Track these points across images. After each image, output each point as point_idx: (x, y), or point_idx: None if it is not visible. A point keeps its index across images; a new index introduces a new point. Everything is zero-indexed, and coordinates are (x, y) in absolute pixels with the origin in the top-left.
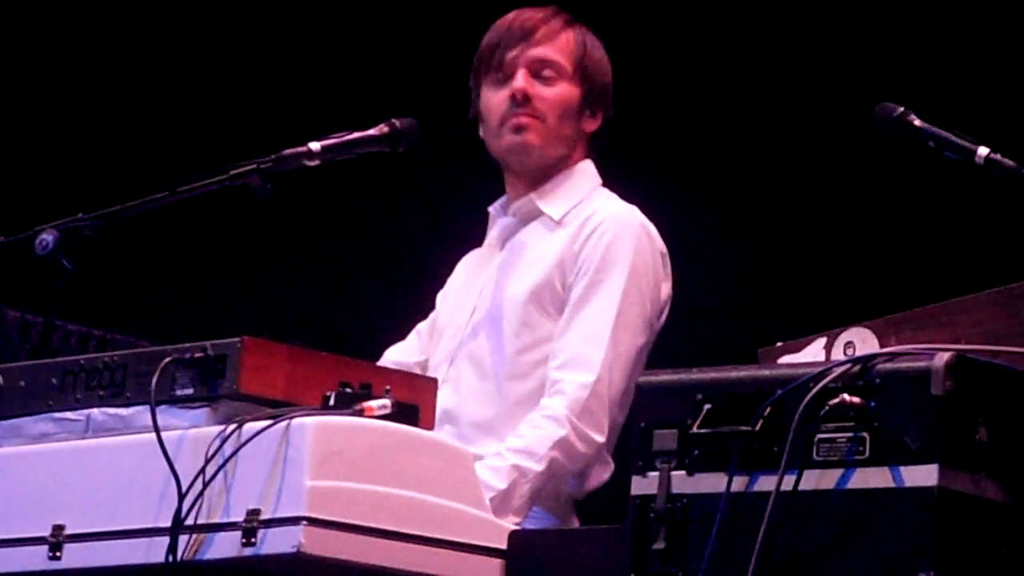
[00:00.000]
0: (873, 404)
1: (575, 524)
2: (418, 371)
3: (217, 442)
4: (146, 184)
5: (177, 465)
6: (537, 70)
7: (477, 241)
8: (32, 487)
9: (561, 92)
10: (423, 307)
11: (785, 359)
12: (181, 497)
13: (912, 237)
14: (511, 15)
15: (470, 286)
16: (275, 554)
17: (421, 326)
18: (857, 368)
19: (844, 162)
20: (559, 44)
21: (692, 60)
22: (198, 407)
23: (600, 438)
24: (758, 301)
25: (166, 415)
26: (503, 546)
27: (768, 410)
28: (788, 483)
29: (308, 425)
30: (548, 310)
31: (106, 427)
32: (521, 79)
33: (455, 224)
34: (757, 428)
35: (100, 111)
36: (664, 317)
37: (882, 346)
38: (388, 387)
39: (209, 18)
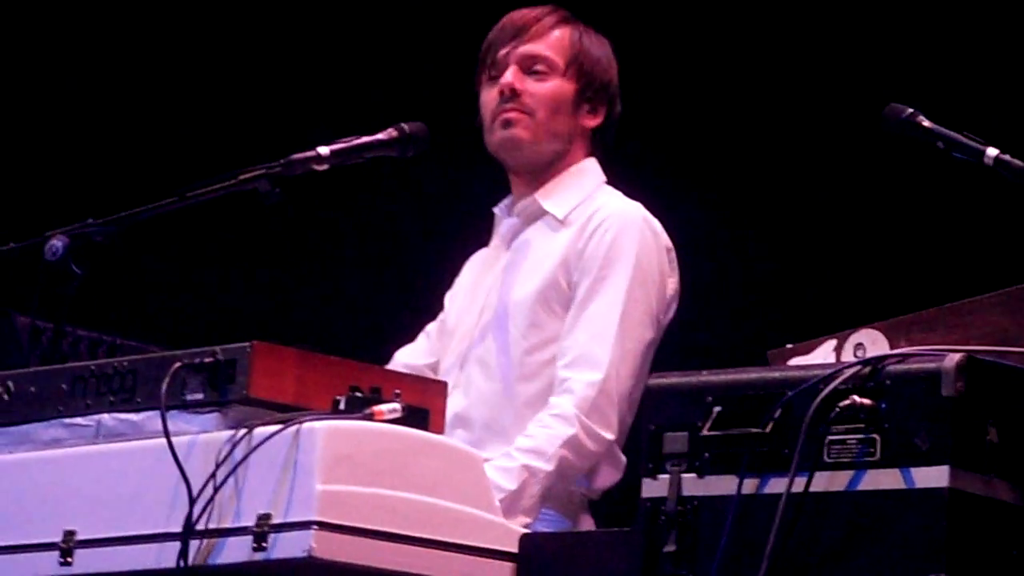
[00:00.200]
0: (884, 405)
1: (588, 525)
2: (428, 373)
3: (227, 447)
4: (155, 189)
5: (188, 470)
6: (528, 66)
7: (483, 242)
8: (43, 493)
9: (552, 87)
10: (431, 309)
11: (795, 361)
12: (192, 502)
13: (922, 238)
14: (508, 15)
15: (477, 287)
16: (286, 558)
17: (430, 327)
18: (867, 370)
19: (854, 163)
20: (551, 40)
21: (703, 61)
22: (208, 412)
23: (610, 435)
24: (768, 303)
25: (176, 420)
26: (514, 549)
27: (778, 412)
28: (799, 485)
29: (318, 429)
30: (555, 309)
31: (116, 432)
32: (509, 75)
33: (461, 226)
34: (767, 430)
35: (109, 117)
36: (672, 312)
37: (892, 347)
38: (398, 391)
39: (217, 24)
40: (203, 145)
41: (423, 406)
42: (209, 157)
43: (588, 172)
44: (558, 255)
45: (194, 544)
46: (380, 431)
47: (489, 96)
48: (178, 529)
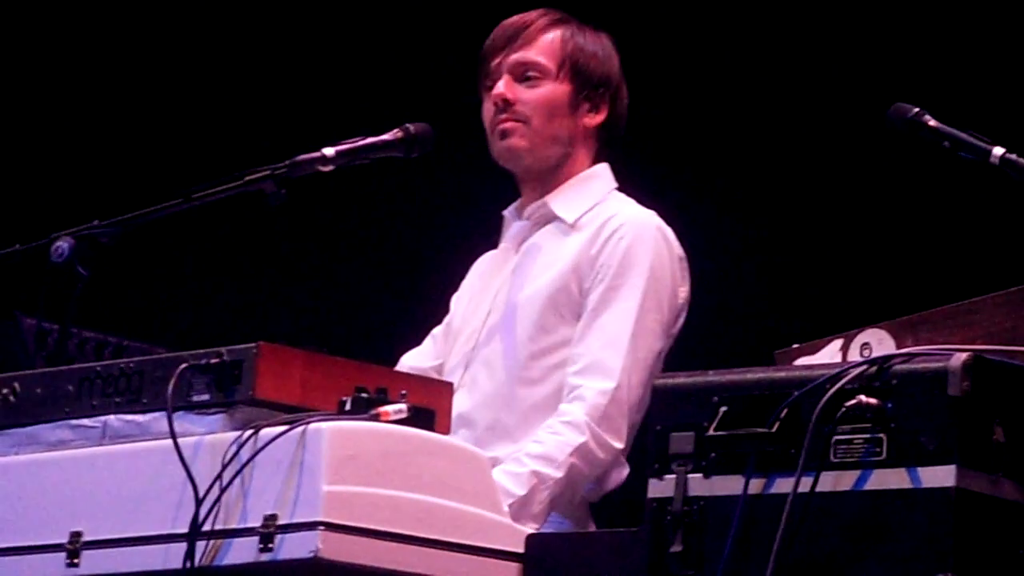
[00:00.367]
0: (890, 405)
1: (590, 527)
2: (434, 375)
3: (234, 448)
4: (161, 191)
5: (194, 471)
6: (520, 74)
7: (490, 245)
8: (49, 494)
9: (545, 92)
10: (437, 311)
11: (801, 361)
12: (198, 503)
13: (928, 237)
14: (501, 23)
15: (485, 289)
16: (292, 559)
17: (436, 331)
18: (874, 369)
19: (860, 163)
20: (541, 45)
21: (707, 63)
22: (214, 413)
23: (619, 444)
24: (774, 303)
25: (183, 421)
26: (520, 550)
27: (785, 412)
28: (805, 485)
29: (324, 430)
30: (564, 314)
31: (123, 434)
32: (502, 85)
33: (468, 228)
34: (774, 430)
35: (115, 118)
36: (681, 322)
37: (898, 347)
38: (404, 392)
39: (222, 25)
40: (208, 146)
41: (429, 407)
42: (215, 158)
43: (599, 177)
44: (569, 260)
45: (200, 545)
46: (386, 432)
47: (487, 107)
48: (184, 530)
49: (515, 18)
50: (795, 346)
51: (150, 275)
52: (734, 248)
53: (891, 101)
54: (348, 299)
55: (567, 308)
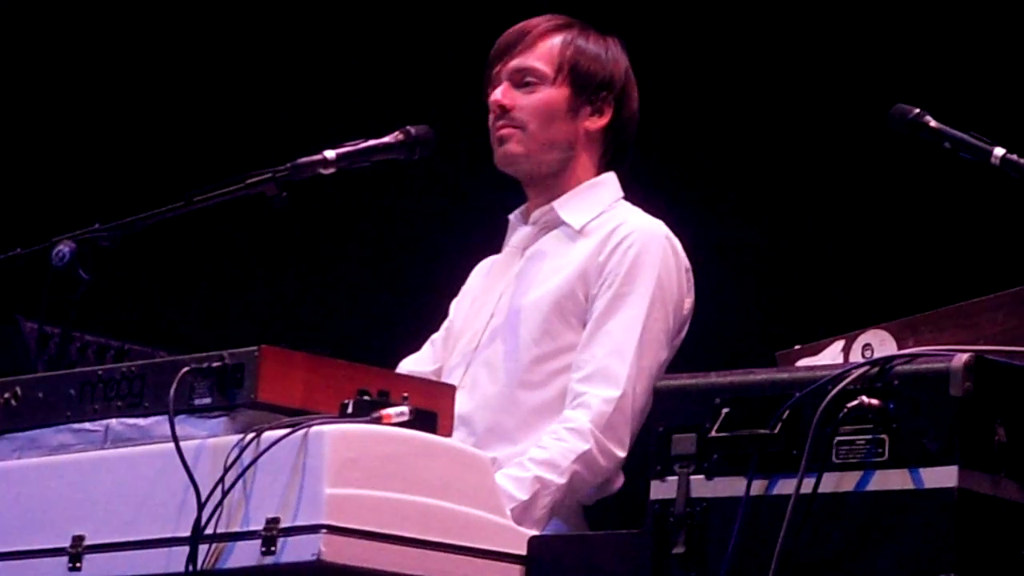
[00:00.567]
0: (892, 406)
1: (584, 530)
2: (434, 379)
3: (236, 451)
4: (162, 194)
5: (196, 475)
6: (518, 80)
7: (491, 248)
8: (51, 498)
9: (541, 97)
10: (438, 315)
11: (803, 362)
12: (200, 506)
13: (929, 238)
14: (506, 31)
15: (488, 292)
16: (295, 562)
17: (435, 336)
18: (875, 370)
19: (860, 164)
20: (538, 51)
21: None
22: (216, 416)
23: (622, 453)
24: (776, 304)
25: (184, 425)
26: (523, 552)
27: (787, 413)
28: (807, 486)
29: (326, 433)
30: (570, 320)
31: (124, 437)
32: (498, 92)
33: (469, 232)
34: (776, 431)
35: (116, 122)
36: (684, 332)
37: (900, 348)
38: (406, 394)
39: (223, 28)
40: (210, 149)
41: (431, 409)
42: (216, 161)
43: (606, 185)
44: (576, 266)
45: (203, 548)
46: (388, 434)
47: (489, 114)
48: (187, 533)
49: (517, 26)
50: (797, 347)
51: (152, 279)
52: (736, 249)
53: (892, 102)
54: (350, 302)
55: (573, 313)
